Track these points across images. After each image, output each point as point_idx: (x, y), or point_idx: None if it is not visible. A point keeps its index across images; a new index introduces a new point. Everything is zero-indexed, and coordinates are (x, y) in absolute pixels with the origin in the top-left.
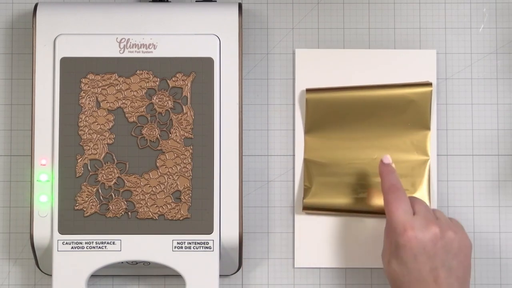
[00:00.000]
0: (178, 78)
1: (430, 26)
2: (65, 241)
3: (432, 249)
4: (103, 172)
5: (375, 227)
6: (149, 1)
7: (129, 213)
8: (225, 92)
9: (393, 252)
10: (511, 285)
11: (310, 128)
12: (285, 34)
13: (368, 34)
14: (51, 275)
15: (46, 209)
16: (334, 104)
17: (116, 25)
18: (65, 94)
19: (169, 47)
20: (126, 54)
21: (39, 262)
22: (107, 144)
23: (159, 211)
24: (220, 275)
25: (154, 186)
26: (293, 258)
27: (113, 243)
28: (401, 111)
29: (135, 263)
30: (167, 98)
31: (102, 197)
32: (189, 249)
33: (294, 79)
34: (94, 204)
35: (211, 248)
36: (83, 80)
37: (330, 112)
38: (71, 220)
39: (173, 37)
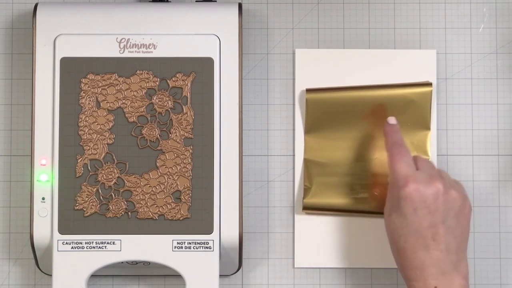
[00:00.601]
0: (178, 78)
1: (430, 26)
2: (65, 241)
3: (433, 204)
4: (103, 172)
5: (375, 227)
6: (149, 1)
7: (129, 213)
8: (225, 92)
9: (394, 205)
10: (511, 285)
11: (310, 128)
12: (285, 34)
13: (368, 34)
14: (51, 275)
15: (46, 209)
16: (334, 104)
17: (116, 25)
18: (65, 94)
19: (169, 47)
20: (126, 54)
21: (39, 262)
22: (107, 144)
23: (159, 211)
24: (220, 275)
25: (154, 186)
26: (293, 258)
27: (113, 243)
28: (401, 111)
29: (135, 263)
30: (167, 98)
31: (102, 197)
32: (189, 249)
33: (294, 79)
34: (94, 204)
35: (211, 248)
36: (83, 80)
37: (330, 112)
38: (71, 220)
39: (173, 37)
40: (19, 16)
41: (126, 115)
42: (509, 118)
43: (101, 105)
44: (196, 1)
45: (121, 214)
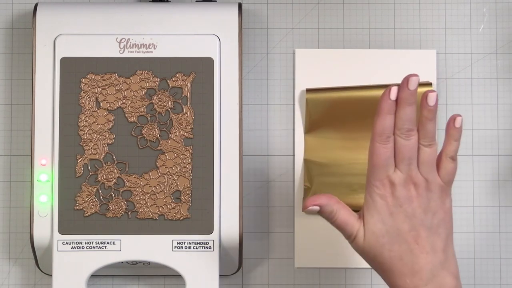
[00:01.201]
0: (178, 78)
1: (430, 26)
2: (65, 241)
3: (409, 208)
4: (103, 172)
5: None
6: (149, 1)
7: (129, 213)
8: (225, 92)
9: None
10: (511, 285)
11: (310, 128)
12: (285, 34)
13: (368, 34)
14: (51, 275)
15: (46, 209)
16: (334, 104)
17: (116, 25)
18: (65, 94)
19: (169, 47)
20: (126, 54)
21: (39, 262)
22: (107, 144)
23: (159, 211)
24: (220, 275)
25: (154, 186)
26: (293, 258)
27: (113, 243)
28: None
29: (135, 263)
30: (167, 98)
31: (102, 197)
32: (189, 249)
33: (294, 79)
34: (94, 204)
35: (211, 248)
36: (83, 80)
37: (330, 112)
38: (71, 220)
39: (173, 37)
40: (19, 16)
41: (126, 115)
42: (509, 118)
43: (101, 105)
44: (196, 1)
45: (121, 214)
